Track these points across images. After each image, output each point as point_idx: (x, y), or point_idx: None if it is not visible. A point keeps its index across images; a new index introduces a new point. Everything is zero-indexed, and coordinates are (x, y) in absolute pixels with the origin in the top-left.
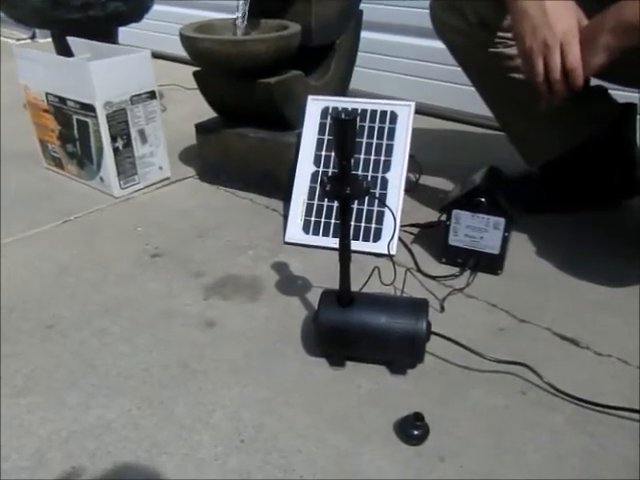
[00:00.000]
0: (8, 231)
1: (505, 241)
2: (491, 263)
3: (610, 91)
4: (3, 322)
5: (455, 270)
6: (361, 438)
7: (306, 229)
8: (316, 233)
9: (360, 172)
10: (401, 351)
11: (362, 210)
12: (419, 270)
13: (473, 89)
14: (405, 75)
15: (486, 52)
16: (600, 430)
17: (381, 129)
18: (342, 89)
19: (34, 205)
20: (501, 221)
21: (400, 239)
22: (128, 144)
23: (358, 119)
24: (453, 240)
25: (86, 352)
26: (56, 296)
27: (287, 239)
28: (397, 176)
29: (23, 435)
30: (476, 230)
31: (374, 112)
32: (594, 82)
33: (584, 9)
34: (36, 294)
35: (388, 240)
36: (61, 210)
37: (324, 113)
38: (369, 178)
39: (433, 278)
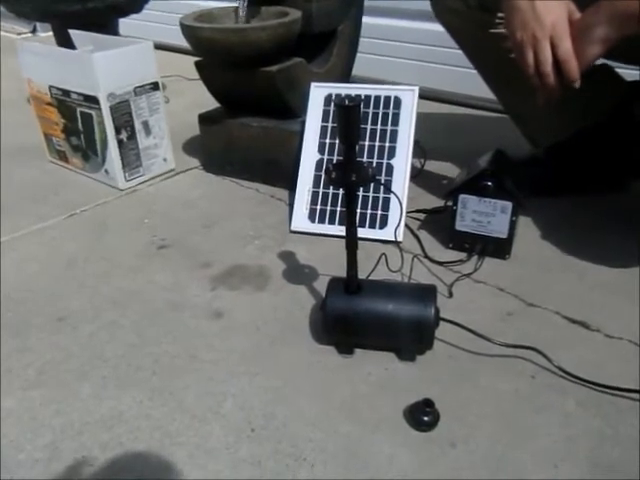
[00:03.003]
0: (15, 225)
1: (513, 225)
2: (499, 247)
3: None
4: (13, 316)
5: (462, 255)
6: (371, 425)
7: (312, 217)
8: (322, 221)
9: (365, 159)
10: (410, 337)
11: (368, 197)
12: (426, 256)
13: (476, 72)
14: (408, 60)
15: (487, 33)
16: (611, 413)
17: (385, 115)
18: (345, 75)
19: (40, 199)
20: (508, 205)
21: (407, 225)
22: (132, 136)
23: (362, 105)
24: (460, 225)
25: (96, 344)
26: (65, 289)
27: (293, 228)
28: (402, 162)
29: (37, 427)
30: (483, 215)
31: (378, 98)
32: (599, 61)
33: (577, 2)
34: (45, 288)
35: (394, 227)
36: (67, 204)
37: (327, 100)
38: (374, 165)
39: (440, 264)
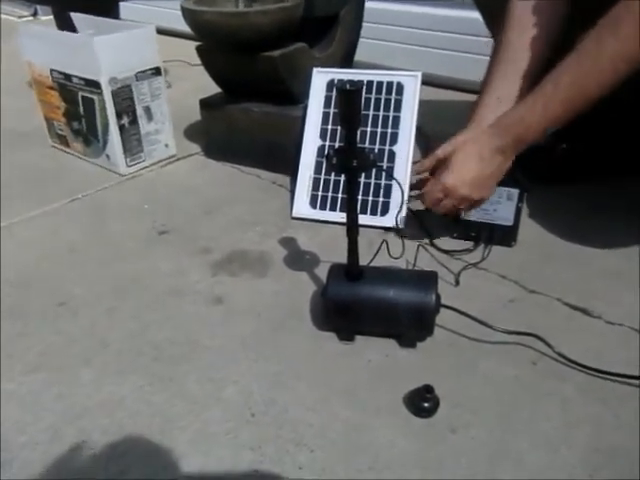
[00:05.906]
0: (17, 210)
1: (519, 212)
2: (505, 235)
3: None
4: (14, 301)
5: (468, 244)
6: (371, 411)
7: (313, 204)
8: (323, 208)
9: (367, 145)
10: (410, 324)
11: (369, 184)
12: (432, 244)
13: (480, 57)
14: (411, 45)
15: None
16: (611, 399)
17: (387, 101)
18: (347, 61)
19: (42, 184)
20: (514, 192)
21: (412, 212)
22: (134, 121)
23: (364, 90)
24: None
25: (97, 329)
26: (66, 274)
27: (294, 214)
28: (404, 148)
29: (38, 411)
30: (489, 202)
31: (380, 83)
32: None
33: None
34: (46, 272)
35: (395, 213)
36: (68, 189)
37: (329, 86)
38: (376, 151)
39: (446, 252)
